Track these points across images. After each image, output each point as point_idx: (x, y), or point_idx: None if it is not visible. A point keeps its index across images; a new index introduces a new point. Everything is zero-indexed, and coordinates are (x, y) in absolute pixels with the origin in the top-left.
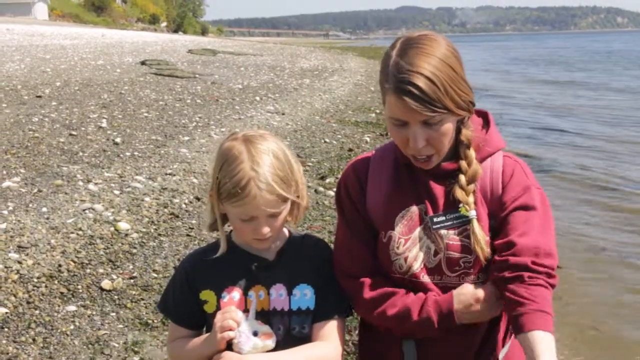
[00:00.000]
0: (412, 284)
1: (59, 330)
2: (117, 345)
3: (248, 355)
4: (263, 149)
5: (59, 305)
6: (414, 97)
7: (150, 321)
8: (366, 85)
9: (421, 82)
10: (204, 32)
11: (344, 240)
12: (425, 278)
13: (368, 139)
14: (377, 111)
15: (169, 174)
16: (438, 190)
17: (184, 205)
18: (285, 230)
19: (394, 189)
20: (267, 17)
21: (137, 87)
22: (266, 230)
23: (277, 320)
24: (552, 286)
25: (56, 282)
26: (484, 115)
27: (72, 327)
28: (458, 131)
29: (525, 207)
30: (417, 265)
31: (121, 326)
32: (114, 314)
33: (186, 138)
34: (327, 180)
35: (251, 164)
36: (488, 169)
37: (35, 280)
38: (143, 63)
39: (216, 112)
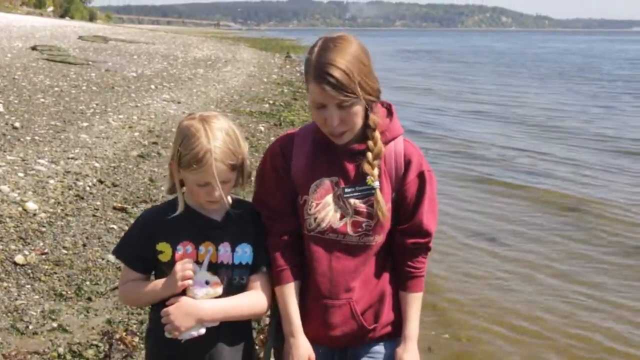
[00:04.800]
0: (319, 240)
1: None
2: (34, 313)
3: (201, 300)
4: (217, 127)
5: None
6: (331, 85)
7: (64, 292)
8: (259, 77)
9: (337, 73)
10: (92, 18)
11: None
12: (330, 236)
13: (262, 129)
14: (271, 102)
15: (71, 158)
16: (349, 166)
17: (87, 188)
18: (229, 198)
19: (312, 162)
20: (157, 5)
21: (30, 73)
22: (218, 194)
23: (222, 271)
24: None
25: None
26: (387, 106)
27: None
28: (367, 116)
29: (420, 190)
30: (323, 225)
31: (37, 297)
32: (29, 286)
33: (85, 124)
34: None
35: (207, 139)
36: (392, 152)
37: None
38: (34, 48)
39: (113, 99)
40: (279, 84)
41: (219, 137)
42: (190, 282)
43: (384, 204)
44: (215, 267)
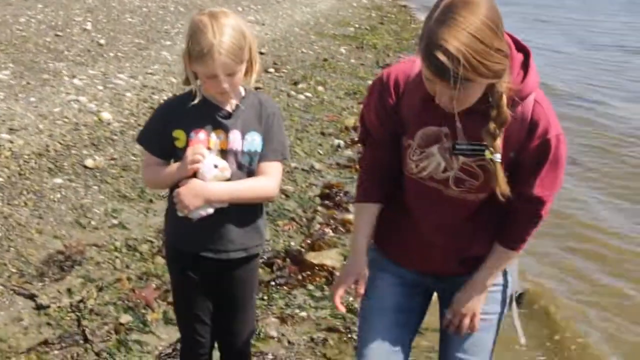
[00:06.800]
0: (419, 184)
1: (47, 198)
2: (98, 211)
3: (209, 182)
4: (224, 23)
5: (47, 178)
6: (437, 68)
7: (127, 194)
8: (349, 1)
9: (443, 58)
10: None
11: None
12: (431, 184)
13: (344, 51)
14: (356, 25)
15: (150, 74)
16: (465, 121)
17: (162, 101)
18: (242, 89)
19: (424, 108)
20: None
21: None
22: (225, 85)
23: (232, 157)
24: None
25: (44, 159)
26: (525, 52)
27: (58, 195)
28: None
29: (541, 156)
30: (424, 174)
31: (102, 197)
32: (96, 187)
33: (168, 43)
34: (300, 86)
35: (213, 34)
36: (518, 113)
37: (26, 156)
38: None
39: None
40: (368, 8)
41: (226, 32)
42: (199, 165)
43: (504, 181)
44: (225, 153)
